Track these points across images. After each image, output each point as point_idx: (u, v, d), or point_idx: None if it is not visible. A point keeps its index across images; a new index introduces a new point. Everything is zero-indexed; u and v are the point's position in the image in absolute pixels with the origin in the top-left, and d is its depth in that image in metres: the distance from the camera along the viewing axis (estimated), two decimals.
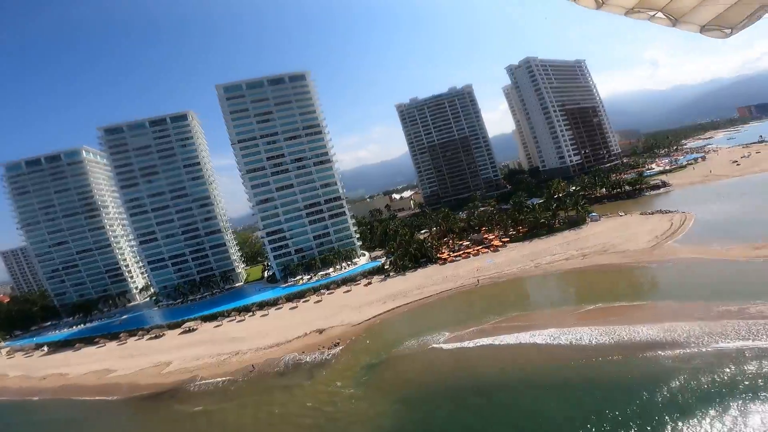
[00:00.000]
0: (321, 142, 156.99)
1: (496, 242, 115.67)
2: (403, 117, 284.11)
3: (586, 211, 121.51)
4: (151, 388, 66.21)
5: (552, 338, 52.81)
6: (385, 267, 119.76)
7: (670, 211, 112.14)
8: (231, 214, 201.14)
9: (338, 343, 71.51)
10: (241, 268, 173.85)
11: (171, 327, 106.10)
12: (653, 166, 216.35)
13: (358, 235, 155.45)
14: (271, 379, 62.08)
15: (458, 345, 57.93)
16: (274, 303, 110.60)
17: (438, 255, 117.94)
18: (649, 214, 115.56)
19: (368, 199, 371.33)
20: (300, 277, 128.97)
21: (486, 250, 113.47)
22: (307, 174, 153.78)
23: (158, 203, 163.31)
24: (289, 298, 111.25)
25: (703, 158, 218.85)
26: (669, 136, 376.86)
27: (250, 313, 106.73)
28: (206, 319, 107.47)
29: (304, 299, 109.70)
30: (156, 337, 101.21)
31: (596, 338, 49.57)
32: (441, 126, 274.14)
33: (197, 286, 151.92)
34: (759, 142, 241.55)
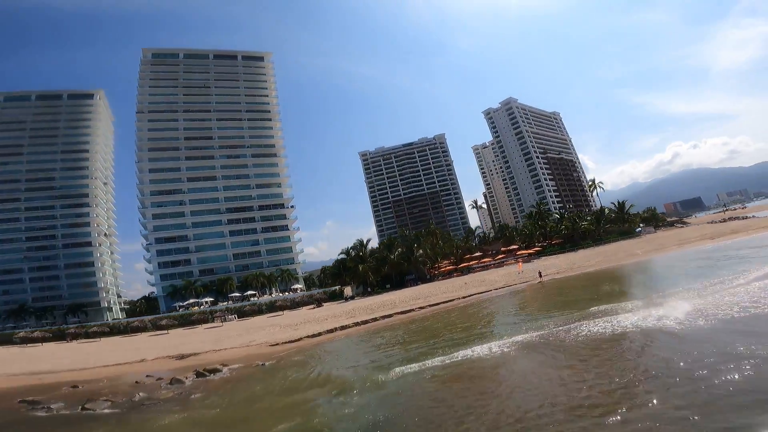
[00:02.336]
0: (268, 131, 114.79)
1: (523, 251, 73.90)
2: (366, 166, 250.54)
3: (635, 222, 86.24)
4: None
5: None
6: (344, 292, 71.99)
7: (747, 217, 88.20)
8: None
9: (217, 370, 22.54)
10: (112, 302, 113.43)
11: None
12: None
13: (301, 262, 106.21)
14: None
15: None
16: (111, 330, 56.87)
17: (434, 271, 73.14)
18: (720, 221, 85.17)
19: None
20: (194, 300, 75.47)
21: (512, 261, 70.69)
22: (239, 166, 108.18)
23: (1, 194, 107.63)
24: (157, 323, 57.98)
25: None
26: None
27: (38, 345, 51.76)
28: None
29: (188, 326, 57.32)
30: None
31: None
32: (409, 178, 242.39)
33: (22, 315, 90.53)
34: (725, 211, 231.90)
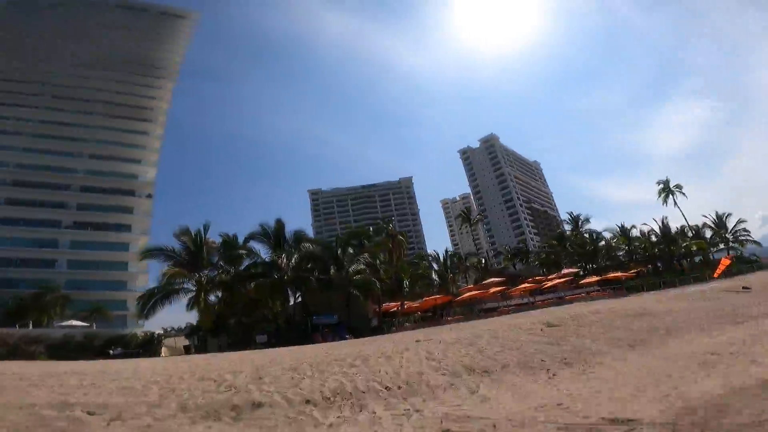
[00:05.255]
0: (149, 89, 72.77)
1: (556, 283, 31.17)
2: (316, 206, 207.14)
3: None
4: None
5: None
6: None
7: None
8: None
9: None
10: None
11: None
12: None
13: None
14: None
15: None
16: None
17: (392, 310, 28.41)
18: None
19: None
20: None
21: (594, 293, 27.50)
22: (73, 124, 63.49)
23: None
24: None
25: None
26: None
27: None
28: None
29: None
30: None
31: None
32: (367, 225, 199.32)
33: None
34: None
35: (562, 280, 32.79)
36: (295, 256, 28.98)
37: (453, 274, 42.77)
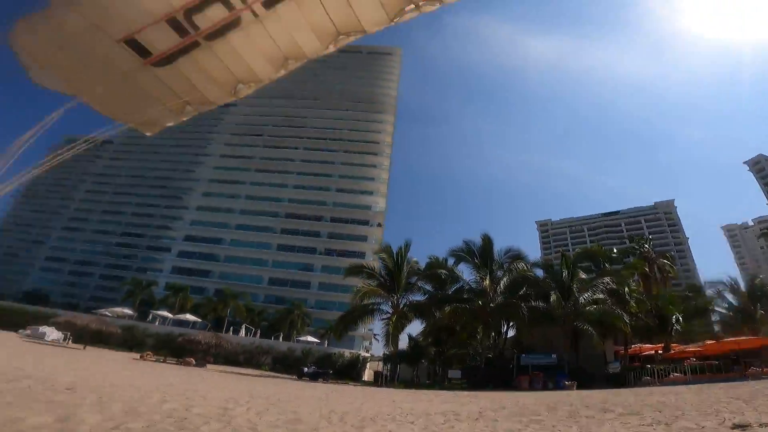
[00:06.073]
0: (375, 124, 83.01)
1: None
2: (545, 238, 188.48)
3: None
4: None
5: None
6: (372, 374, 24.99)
7: None
8: None
9: None
10: None
11: None
12: None
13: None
14: None
15: None
16: None
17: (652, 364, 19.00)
18: None
19: None
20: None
21: None
22: (323, 161, 77.53)
23: None
24: None
25: None
26: None
27: None
28: None
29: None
30: None
31: None
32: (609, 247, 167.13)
33: None
34: None
35: None
36: (504, 279, 23.86)
37: (764, 311, 26.92)
